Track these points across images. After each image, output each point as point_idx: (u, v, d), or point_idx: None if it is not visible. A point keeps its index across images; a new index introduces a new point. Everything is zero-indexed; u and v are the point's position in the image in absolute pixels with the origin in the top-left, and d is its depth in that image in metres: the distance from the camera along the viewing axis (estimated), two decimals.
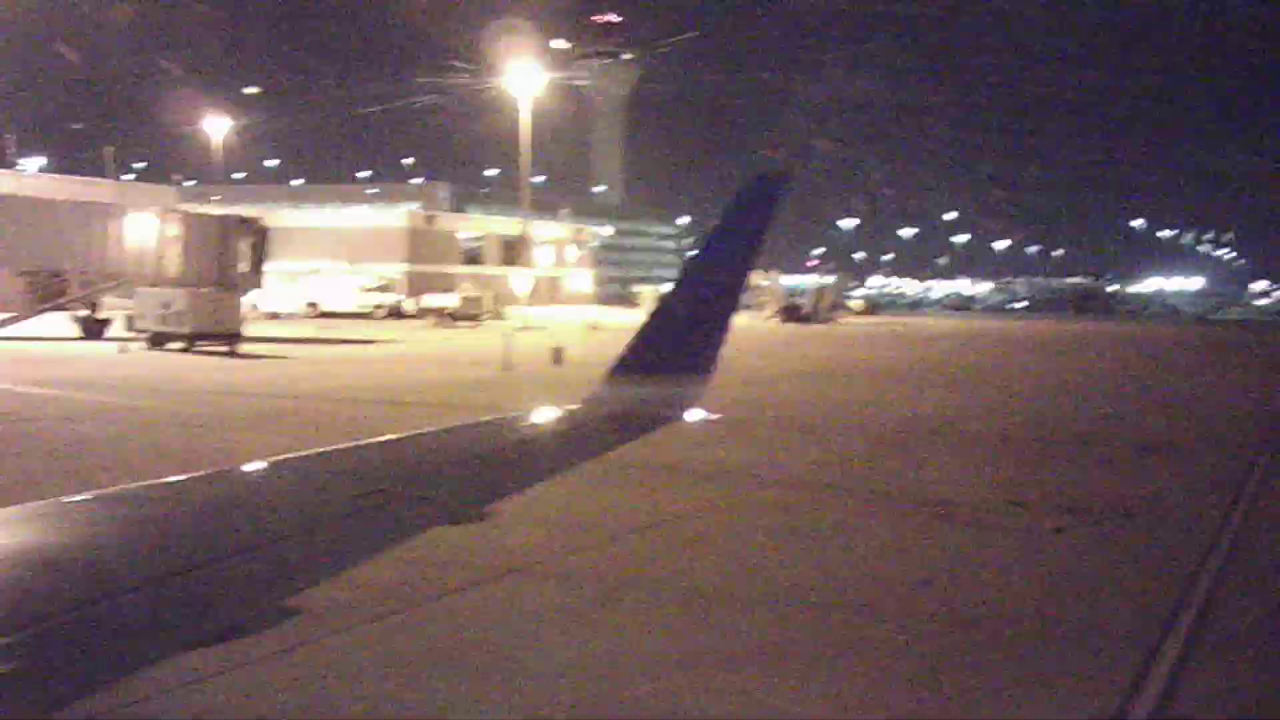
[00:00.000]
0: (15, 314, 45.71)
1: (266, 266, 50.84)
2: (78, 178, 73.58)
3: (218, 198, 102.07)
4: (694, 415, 4.77)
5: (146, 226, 45.17)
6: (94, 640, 2.12)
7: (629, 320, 69.69)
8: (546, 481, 4.07)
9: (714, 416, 4.80)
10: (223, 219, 49.24)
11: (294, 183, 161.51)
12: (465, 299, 66.42)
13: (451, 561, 9.34)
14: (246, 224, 48.82)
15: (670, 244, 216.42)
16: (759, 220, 5.20)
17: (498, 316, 69.94)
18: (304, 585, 2.63)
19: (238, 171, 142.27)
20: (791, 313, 77.88)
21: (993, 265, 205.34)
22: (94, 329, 43.39)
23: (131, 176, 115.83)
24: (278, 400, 24.62)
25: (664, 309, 5.48)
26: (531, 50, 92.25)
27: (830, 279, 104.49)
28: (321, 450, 4.16)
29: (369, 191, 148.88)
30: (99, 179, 72.78)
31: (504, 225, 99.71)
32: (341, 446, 4.21)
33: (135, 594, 2.33)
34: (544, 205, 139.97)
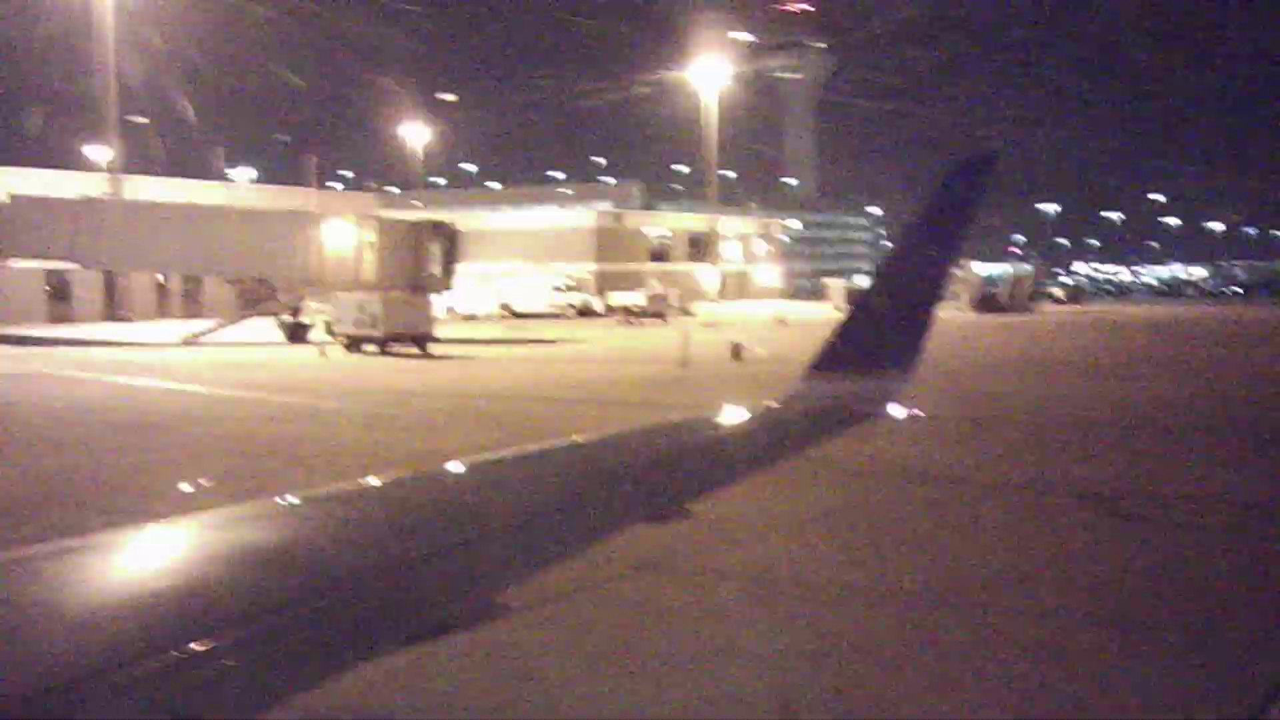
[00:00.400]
0: (222, 320, 48.43)
1: (458, 269, 52.39)
2: (283, 187, 77.17)
3: (417, 203, 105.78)
4: (896, 411, 4.66)
5: (344, 233, 47.06)
6: (308, 637, 2.21)
7: (816, 315, 69.25)
8: (746, 479, 4.03)
9: (917, 412, 4.69)
10: (416, 224, 50.87)
11: (491, 185, 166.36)
12: (651, 296, 66.92)
13: (649, 561, 9.35)
14: (439, 228, 50.31)
15: (863, 235, 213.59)
16: (964, 207, 5.05)
17: (685, 313, 70.29)
18: (509, 582, 2.70)
19: (437, 177, 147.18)
20: (987, 302, 75.75)
21: (1207, 248, 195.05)
22: (296, 333, 45.42)
23: (339, 186, 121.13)
24: (465, 400, 25.33)
25: (864, 302, 5.37)
26: (717, 44, 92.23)
27: (1027, 267, 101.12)
28: (521, 451, 4.20)
29: (563, 192, 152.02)
30: (302, 188, 76.18)
31: (691, 222, 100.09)
32: (539, 447, 4.24)
33: (347, 591, 2.43)
34: (734, 200, 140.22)
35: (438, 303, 62.56)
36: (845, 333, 5.09)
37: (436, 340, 40.64)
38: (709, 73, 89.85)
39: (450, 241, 49.96)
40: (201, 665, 1.95)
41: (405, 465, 15.24)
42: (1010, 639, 8.28)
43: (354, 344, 39.85)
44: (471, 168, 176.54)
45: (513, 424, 21.23)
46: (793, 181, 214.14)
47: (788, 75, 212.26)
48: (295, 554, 2.69)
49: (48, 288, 57.40)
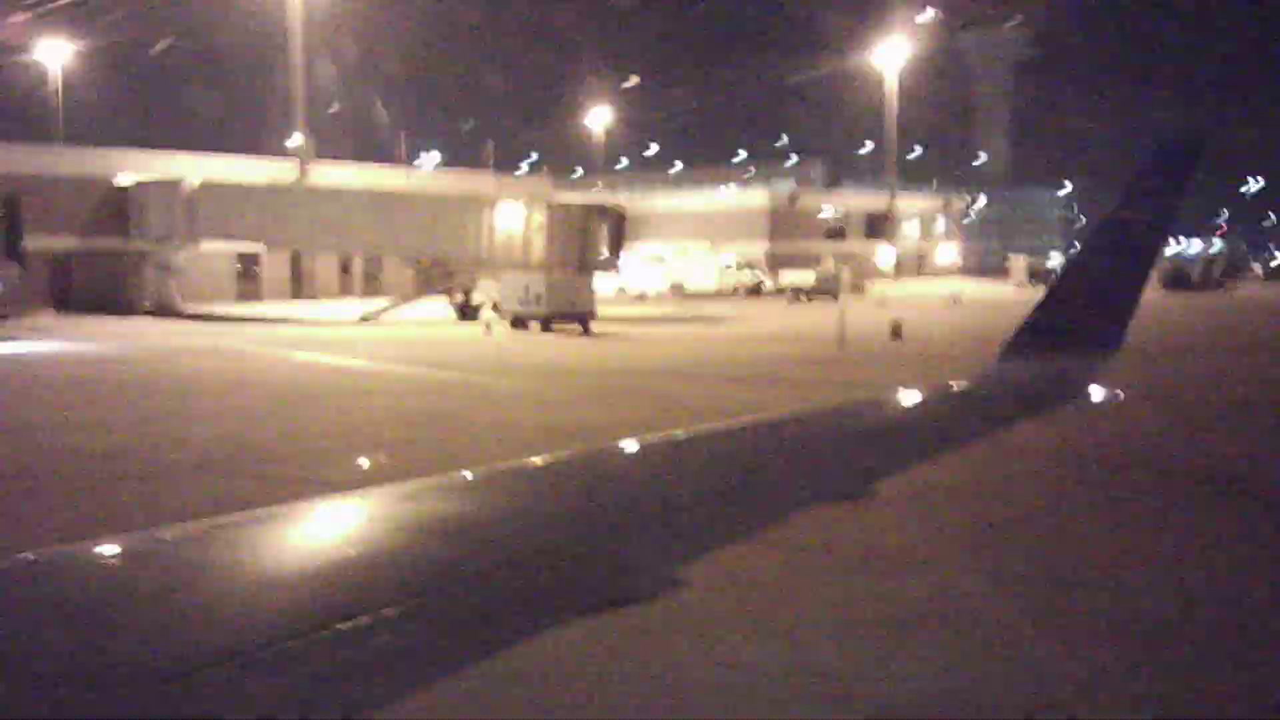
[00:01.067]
0: (397, 299, 50.12)
1: (626, 250, 52.86)
2: (462, 171, 79.14)
3: (600, 185, 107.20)
4: (1098, 393, 4.57)
5: (515, 216, 48.05)
6: (485, 608, 2.29)
7: (993, 293, 67.25)
8: (932, 461, 3.91)
9: (1119, 394, 4.54)
10: (584, 207, 51.55)
11: (674, 169, 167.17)
12: (821, 275, 66.30)
13: (830, 541, 9.21)
14: (606, 211, 50.89)
15: (1056, 212, 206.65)
16: (1172, 189, 5.01)
17: (858, 291, 69.45)
18: (689, 557, 2.70)
19: (620, 160, 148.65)
20: (1179, 280, 72.56)
21: None
22: (467, 312, 46.70)
23: (524, 170, 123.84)
24: (614, 377, 25.70)
25: (1066, 281, 5.35)
26: (901, 22, 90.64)
27: (1219, 244, 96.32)
28: (697, 430, 4.09)
29: (746, 175, 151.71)
30: (481, 172, 78.02)
31: (867, 200, 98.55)
32: (717, 427, 4.15)
33: (527, 566, 2.52)
34: (922, 178, 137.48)
35: (608, 282, 63.65)
36: (1044, 311, 5.03)
37: (597, 319, 41.19)
38: (890, 52, 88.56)
39: (617, 223, 50.46)
40: (382, 632, 2.05)
41: (538, 442, 15.61)
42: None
43: (519, 322, 40.78)
44: (653, 151, 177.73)
45: (658, 401, 21.44)
46: (984, 157, 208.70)
47: (976, 51, 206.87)
48: (475, 528, 2.80)
49: (238, 267, 60.29)
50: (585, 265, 47.32)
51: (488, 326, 40.72)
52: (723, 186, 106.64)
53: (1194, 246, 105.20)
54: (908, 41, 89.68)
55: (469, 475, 3.20)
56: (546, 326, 39.89)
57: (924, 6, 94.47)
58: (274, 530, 2.69)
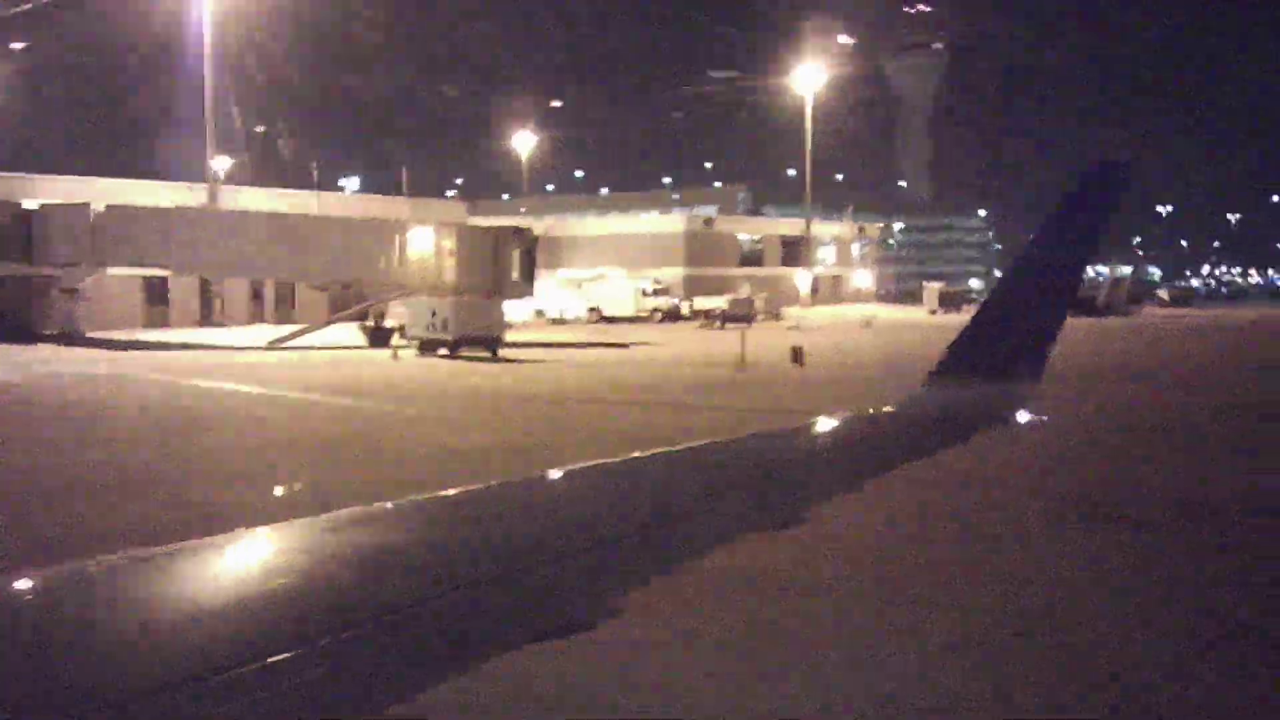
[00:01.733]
0: (307, 325, 49.82)
1: (541, 274, 52.92)
2: (374, 196, 78.96)
3: (524, 210, 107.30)
4: (1022, 418, 4.59)
5: (425, 240, 48.01)
6: (434, 633, 2.29)
7: (905, 317, 68.05)
8: (866, 485, 3.88)
9: (1043, 419, 4.62)
10: (494, 231, 51.66)
11: (602, 191, 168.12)
12: (733, 300, 66.98)
13: (769, 566, 9.36)
14: (518, 234, 51.00)
15: (975, 238, 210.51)
16: (1098, 214, 4.96)
17: (773, 317, 70.20)
18: (628, 585, 2.71)
19: (548, 183, 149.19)
20: (1082, 305, 74.13)
21: None
22: (378, 337, 46.48)
23: (453, 193, 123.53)
24: (506, 400, 25.89)
25: (991, 306, 5.35)
26: (822, 47, 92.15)
27: (1125, 269, 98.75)
28: (629, 457, 4.01)
29: (673, 197, 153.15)
30: (395, 197, 77.89)
31: (783, 226, 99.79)
32: (650, 453, 4.11)
33: (472, 590, 2.51)
34: (840, 203, 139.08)
35: (525, 306, 63.77)
36: (971, 336, 5.02)
37: (505, 344, 41.31)
38: (808, 77, 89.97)
39: (528, 247, 50.58)
40: (329, 660, 2.04)
41: (462, 463, 15.76)
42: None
43: (426, 347, 40.73)
44: (581, 174, 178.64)
45: (550, 425, 21.69)
46: (904, 184, 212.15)
47: (897, 78, 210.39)
48: (417, 555, 2.80)
49: (144, 293, 59.54)
50: (497, 289, 47.37)
51: (395, 352, 40.65)
52: (648, 212, 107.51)
53: (1100, 271, 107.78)
54: (826, 67, 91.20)
55: (388, 506, 3.17)
56: (454, 352, 39.93)
57: (850, 32, 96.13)
58: (200, 562, 2.66)
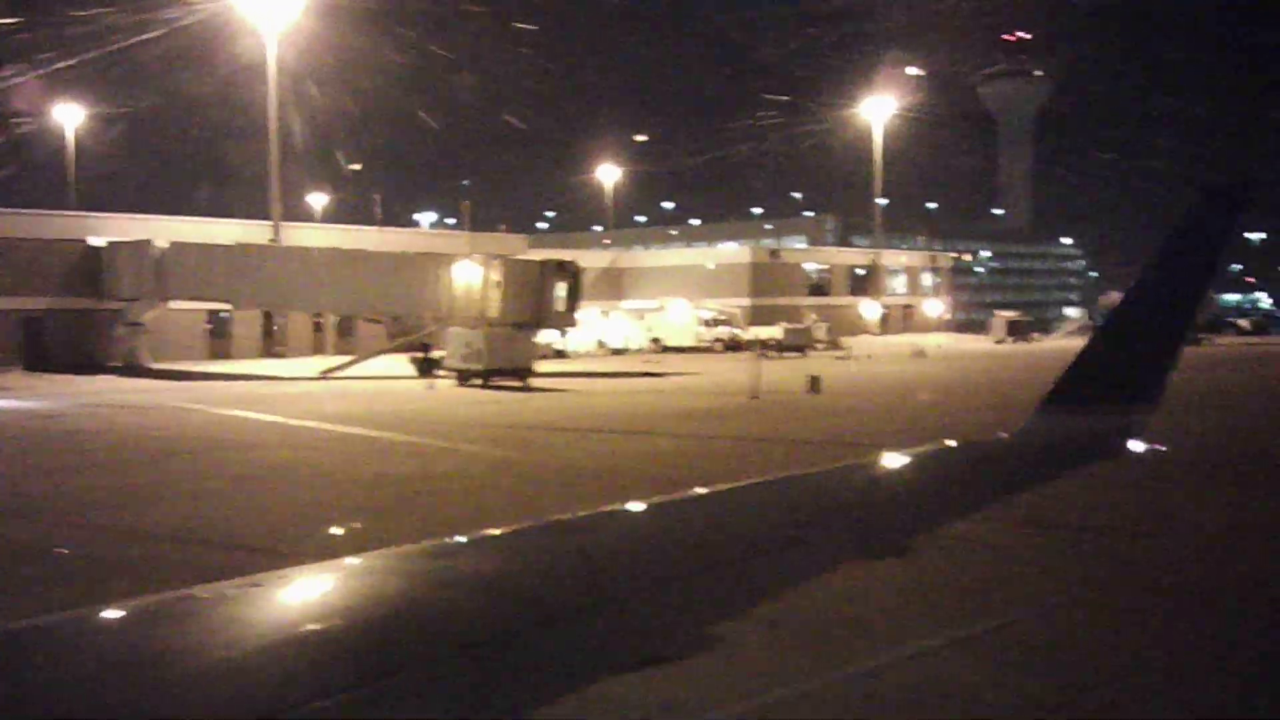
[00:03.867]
0: (357, 356, 51.24)
1: (606, 305, 53.39)
2: (437, 230, 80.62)
3: (608, 242, 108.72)
4: (1138, 447, 4.50)
5: (472, 273, 49.15)
6: (518, 667, 2.28)
7: (967, 347, 67.01)
8: (970, 518, 3.83)
9: (1160, 448, 4.48)
10: (540, 263, 52.62)
11: (692, 222, 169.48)
12: (788, 330, 67.15)
13: (863, 594, 9.32)
14: (563, 267, 51.91)
15: (1073, 265, 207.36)
16: (1214, 239, 4.83)
17: (834, 346, 70.05)
18: (724, 616, 2.74)
19: (639, 215, 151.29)
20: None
21: None
22: (426, 367, 47.60)
23: (544, 226, 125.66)
24: (511, 430, 26.44)
25: (1106, 335, 5.33)
26: (908, 78, 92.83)
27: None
28: (704, 490, 3.90)
29: (765, 227, 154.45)
30: (459, 231, 79.46)
31: (852, 256, 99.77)
32: (718, 489, 4.02)
33: (559, 624, 2.51)
34: (939, 232, 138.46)
35: (588, 337, 64.65)
36: (1084, 364, 4.91)
37: (536, 374, 42.14)
38: (878, 108, 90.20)
39: (574, 279, 51.44)
40: (412, 692, 2.08)
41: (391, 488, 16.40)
42: None
43: (464, 377, 41.72)
44: (670, 206, 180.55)
45: (552, 455, 22.29)
46: (1000, 212, 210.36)
47: (996, 105, 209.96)
48: (505, 588, 2.78)
49: (208, 326, 61.64)
50: (539, 320, 48.33)
51: (432, 382, 41.67)
52: (718, 244, 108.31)
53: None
54: (900, 95, 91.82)
55: (463, 539, 3.09)
56: (486, 382, 40.85)
57: (946, 62, 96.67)
58: (294, 591, 2.66)
